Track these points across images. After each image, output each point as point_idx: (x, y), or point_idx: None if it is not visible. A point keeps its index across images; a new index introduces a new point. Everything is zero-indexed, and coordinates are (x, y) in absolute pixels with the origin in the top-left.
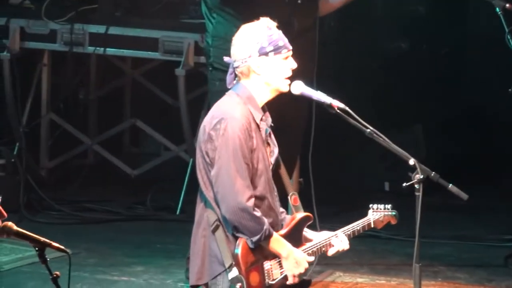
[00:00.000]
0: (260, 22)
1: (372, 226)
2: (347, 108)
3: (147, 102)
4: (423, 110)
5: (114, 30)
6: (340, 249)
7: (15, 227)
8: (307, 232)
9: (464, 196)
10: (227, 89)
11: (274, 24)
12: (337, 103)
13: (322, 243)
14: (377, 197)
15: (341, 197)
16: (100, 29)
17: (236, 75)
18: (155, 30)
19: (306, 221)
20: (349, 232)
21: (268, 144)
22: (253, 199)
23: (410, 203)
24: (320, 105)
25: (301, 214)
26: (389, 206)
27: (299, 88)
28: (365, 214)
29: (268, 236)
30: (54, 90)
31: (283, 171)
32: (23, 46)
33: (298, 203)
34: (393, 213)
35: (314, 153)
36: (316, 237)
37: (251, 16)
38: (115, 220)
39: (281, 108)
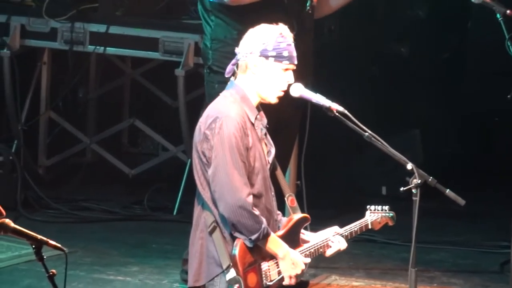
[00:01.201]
0: (277, 27)
1: (370, 227)
2: (346, 111)
3: (146, 102)
4: (422, 114)
5: (114, 30)
6: (338, 249)
7: (12, 224)
8: (304, 234)
9: (461, 201)
10: None
11: (290, 34)
12: (336, 106)
13: (320, 244)
14: (374, 201)
15: (338, 200)
16: (100, 28)
17: (236, 69)
18: (156, 30)
19: (303, 222)
20: (346, 233)
21: (265, 143)
22: (251, 196)
23: (407, 207)
24: (318, 107)
25: (298, 215)
26: (386, 207)
27: (299, 90)
28: (362, 218)
29: (266, 236)
30: (54, 88)
31: (279, 172)
32: (23, 44)
33: (295, 204)
34: (391, 214)
35: (310, 155)
36: (313, 238)
37: (251, 19)
38: (112, 219)
39: (277, 109)
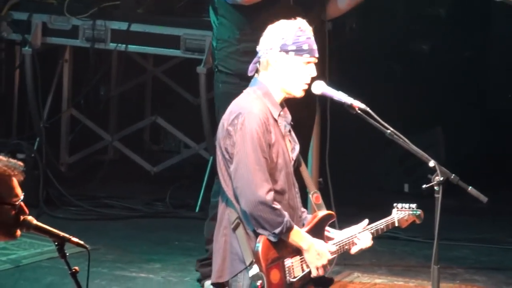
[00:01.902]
0: (295, 22)
1: (396, 225)
2: (367, 109)
3: (168, 100)
4: (444, 112)
5: (136, 27)
6: (364, 247)
7: (34, 221)
8: (329, 231)
9: (483, 198)
10: (230, 91)
11: (309, 28)
12: (358, 104)
13: (345, 241)
14: (396, 199)
15: (361, 198)
16: (122, 25)
17: (258, 66)
18: (177, 27)
19: (328, 219)
20: (372, 231)
21: (289, 140)
22: (272, 192)
23: (429, 205)
24: (340, 105)
25: (323, 212)
26: (414, 205)
27: (321, 88)
28: (385, 216)
29: (289, 229)
30: (75, 86)
31: (304, 168)
32: (45, 42)
33: (320, 201)
34: (418, 212)
35: (332, 153)
36: (338, 236)
37: (255, 19)
38: (134, 216)
39: (293, 107)
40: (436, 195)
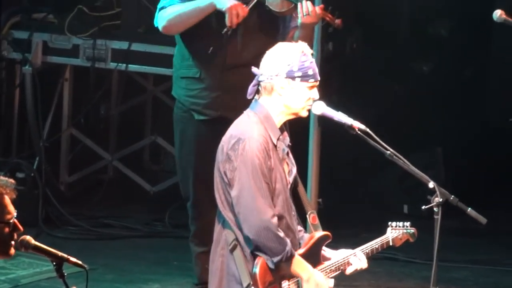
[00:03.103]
0: (298, 46)
1: (391, 244)
2: (367, 130)
3: (168, 119)
4: (444, 132)
5: (136, 47)
6: (358, 268)
7: (33, 241)
8: (325, 251)
9: (482, 220)
10: (180, 118)
11: (310, 51)
12: (357, 124)
13: (341, 262)
14: (396, 219)
15: (360, 218)
16: (122, 45)
17: (258, 89)
18: None
19: (325, 240)
20: (367, 251)
21: (287, 163)
22: (276, 218)
23: (429, 226)
24: (340, 125)
25: (319, 233)
26: (407, 223)
27: (321, 108)
28: (383, 235)
29: (290, 258)
30: (75, 105)
31: (301, 189)
32: (45, 61)
33: (317, 221)
34: (411, 231)
35: (332, 173)
36: (334, 256)
37: (192, 47)
38: (133, 236)
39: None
40: (436, 216)
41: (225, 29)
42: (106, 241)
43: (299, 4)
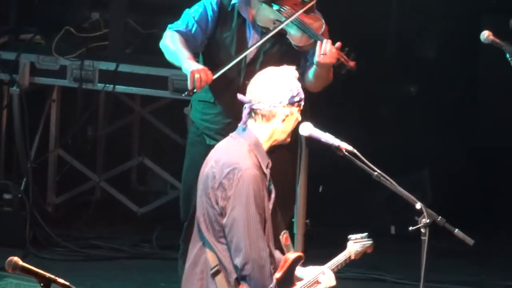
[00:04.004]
0: (290, 69)
1: (353, 258)
2: (355, 151)
3: (155, 140)
4: (431, 154)
5: (124, 68)
6: (328, 286)
7: (20, 262)
8: (297, 271)
9: (470, 241)
10: (192, 141)
11: (296, 73)
12: (345, 146)
13: (311, 282)
14: (383, 241)
15: (347, 239)
16: (110, 66)
17: (250, 116)
18: (165, 68)
19: (298, 261)
20: (333, 267)
21: (269, 191)
22: (268, 250)
23: (416, 247)
24: (327, 146)
25: (293, 254)
26: (364, 234)
27: (308, 129)
28: (371, 259)
29: None
30: (63, 126)
31: (276, 208)
32: (33, 81)
33: (289, 242)
34: (370, 242)
35: (319, 194)
36: (304, 274)
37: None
38: (120, 257)
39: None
40: (423, 237)
41: (185, 93)
42: (94, 262)
43: (318, 42)
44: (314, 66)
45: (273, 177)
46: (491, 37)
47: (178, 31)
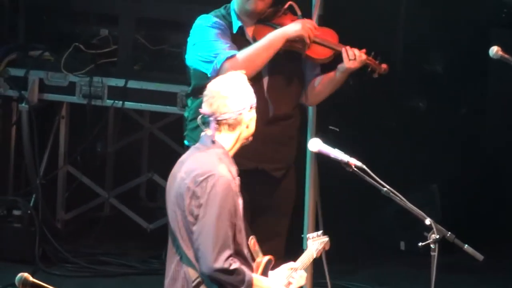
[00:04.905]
0: (240, 74)
1: (315, 256)
2: (364, 167)
3: (164, 156)
4: (440, 169)
5: (133, 84)
6: (298, 286)
7: (31, 278)
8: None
9: (479, 257)
10: None
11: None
12: (354, 161)
13: (284, 283)
14: (392, 256)
15: (356, 254)
16: (119, 82)
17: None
18: (174, 84)
19: (270, 264)
20: (300, 267)
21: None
22: (230, 258)
23: (425, 263)
24: (336, 162)
25: (264, 258)
26: (320, 232)
27: (317, 145)
28: (381, 275)
29: (250, 283)
30: (72, 142)
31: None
32: (42, 98)
33: (257, 247)
34: (326, 239)
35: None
36: (277, 277)
37: None
38: (130, 274)
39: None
40: (432, 253)
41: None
42: (103, 278)
43: (343, 49)
44: (334, 75)
45: (270, 184)
46: (500, 52)
47: (229, 51)
